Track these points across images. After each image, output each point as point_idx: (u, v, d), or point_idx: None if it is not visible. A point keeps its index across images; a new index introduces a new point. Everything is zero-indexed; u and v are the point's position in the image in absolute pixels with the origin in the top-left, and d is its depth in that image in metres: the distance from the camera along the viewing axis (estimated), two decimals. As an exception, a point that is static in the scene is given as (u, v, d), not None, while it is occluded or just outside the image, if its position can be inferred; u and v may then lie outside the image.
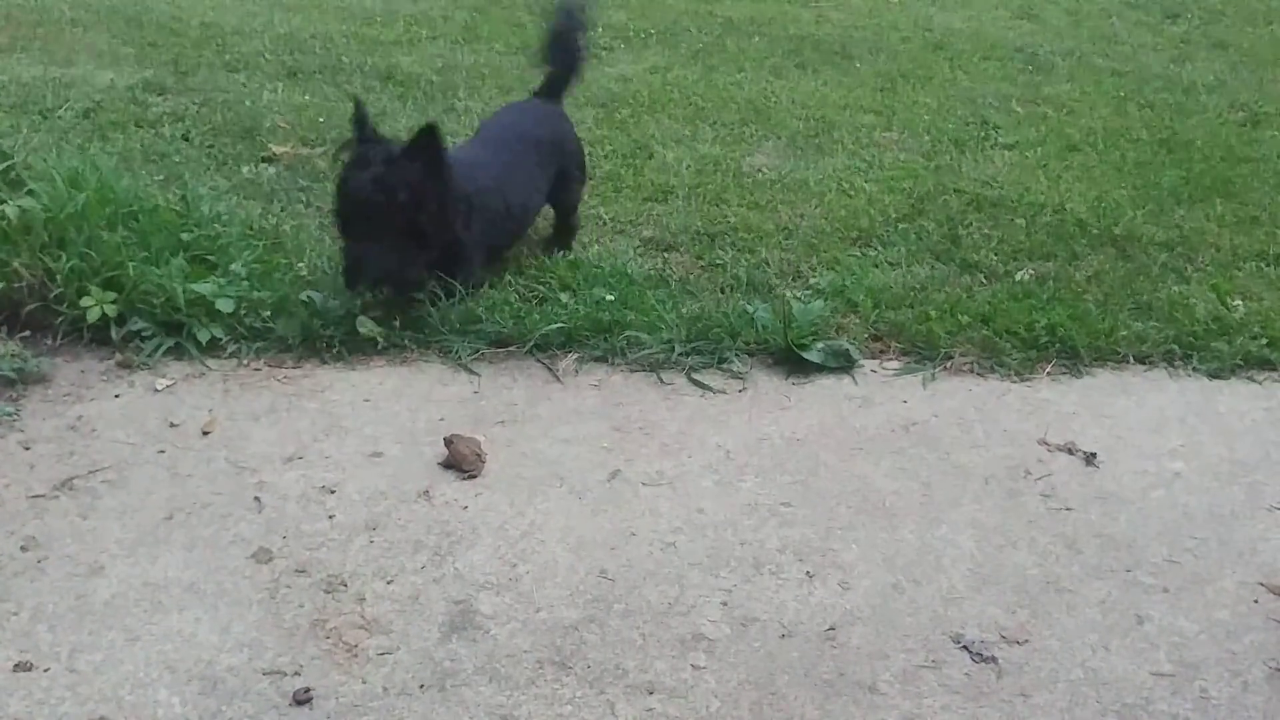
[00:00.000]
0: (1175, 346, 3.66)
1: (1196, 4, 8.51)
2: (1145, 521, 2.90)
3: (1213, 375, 3.58)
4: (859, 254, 4.20)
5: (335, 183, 3.48)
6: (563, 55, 4.20)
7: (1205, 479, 3.09)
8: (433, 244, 3.46)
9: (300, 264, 3.75)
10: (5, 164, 3.77)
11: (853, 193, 4.76)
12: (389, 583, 2.57)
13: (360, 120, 3.45)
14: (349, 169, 3.41)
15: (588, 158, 4.91)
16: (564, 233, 4.17)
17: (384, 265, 3.41)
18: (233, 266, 3.61)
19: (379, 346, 3.46)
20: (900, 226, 4.43)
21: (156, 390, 3.25)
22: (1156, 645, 2.51)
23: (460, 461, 2.96)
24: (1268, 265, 4.23)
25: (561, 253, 4.02)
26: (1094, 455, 3.15)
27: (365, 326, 3.44)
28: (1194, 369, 3.60)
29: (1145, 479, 3.08)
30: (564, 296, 3.69)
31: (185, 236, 3.68)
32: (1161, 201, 4.77)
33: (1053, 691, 2.37)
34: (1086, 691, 2.37)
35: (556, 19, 4.20)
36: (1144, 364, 3.62)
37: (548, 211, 4.16)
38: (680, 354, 3.50)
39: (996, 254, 4.22)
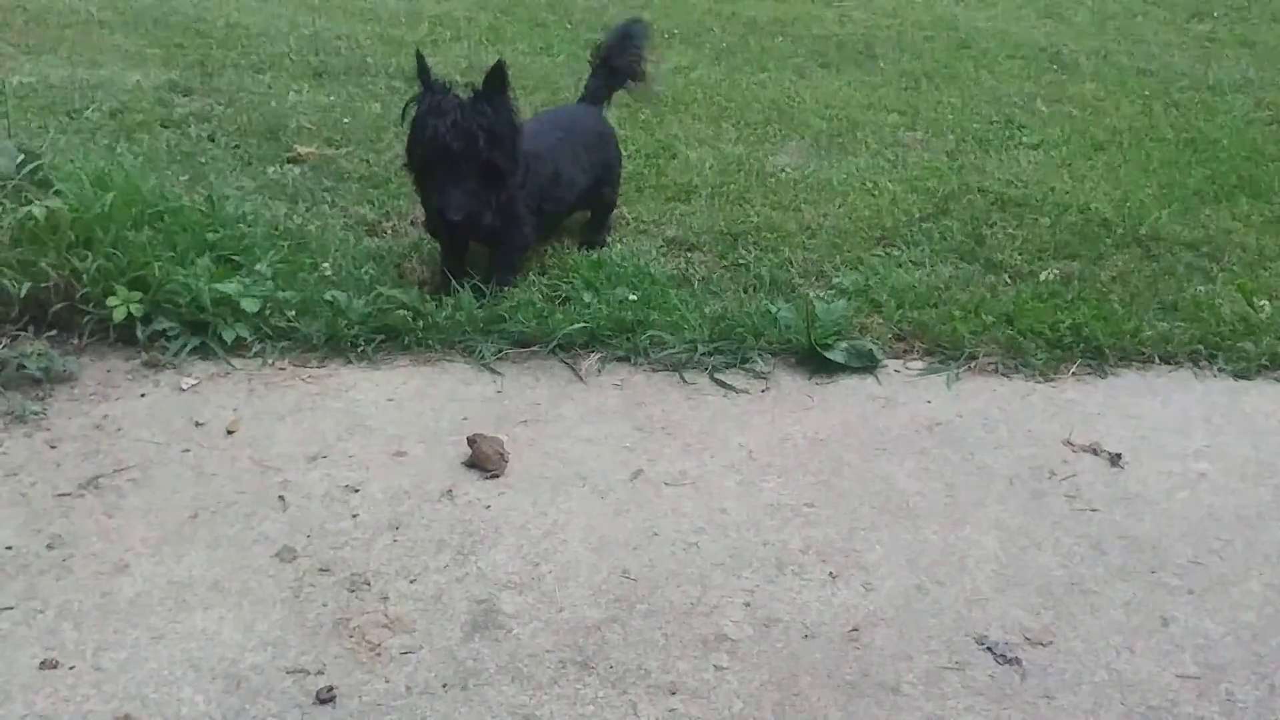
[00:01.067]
0: (1201, 346, 3.64)
1: (1222, 2, 8.46)
2: (1170, 522, 2.89)
3: (1239, 375, 3.56)
4: (882, 254, 4.20)
5: (412, 130, 3.60)
6: (620, 65, 4.35)
7: (1231, 480, 3.07)
8: (506, 185, 3.65)
9: (325, 264, 3.76)
10: (33, 164, 3.80)
11: (876, 192, 4.75)
12: (412, 582, 2.58)
13: (424, 70, 3.59)
14: (427, 116, 3.54)
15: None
16: (597, 230, 4.23)
17: (471, 205, 3.56)
18: (258, 266, 3.62)
19: (406, 327, 3.48)
20: (924, 226, 4.42)
21: (182, 390, 3.27)
22: (1182, 647, 2.49)
23: (483, 461, 2.96)
24: (1294, 265, 4.20)
25: (587, 250, 4.06)
26: (1119, 456, 3.13)
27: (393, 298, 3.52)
28: (1220, 369, 3.58)
29: (1170, 480, 3.06)
30: (587, 296, 3.69)
31: (211, 236, 3.69)
32: (1187, 201, 4.74)
33: (1077, 694, 2.36)
34: (1111, 694, 2.36)
35: (624, 29, 4.36)
36: (1169, 364, 3.60)
37: (577, 217, 4.20)
38: (703, 354, 3.50)
39: (1021, 253, 4.21)
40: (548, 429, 3.17)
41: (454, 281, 3.72)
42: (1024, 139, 5.48)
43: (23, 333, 3.39)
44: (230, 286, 3.48)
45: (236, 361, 3.40)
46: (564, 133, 4.06)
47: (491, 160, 3.55)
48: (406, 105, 3.65)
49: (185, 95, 5.50)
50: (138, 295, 3.43)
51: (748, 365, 3.49)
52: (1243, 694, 2.38)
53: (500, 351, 3.48)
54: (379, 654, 2.38)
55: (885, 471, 3.05)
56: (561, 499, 2.88)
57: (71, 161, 3.89)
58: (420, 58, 3.62)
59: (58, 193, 3.59)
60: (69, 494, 2.81)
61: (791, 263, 4.06)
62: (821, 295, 3.81)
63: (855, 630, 2.50)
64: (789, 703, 2.31)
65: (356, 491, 2.87)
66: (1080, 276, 4.04)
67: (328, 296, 3.54)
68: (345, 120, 5.24)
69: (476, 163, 3.54)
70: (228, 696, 2.26)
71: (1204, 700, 2.36)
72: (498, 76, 3.56)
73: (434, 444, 3.07)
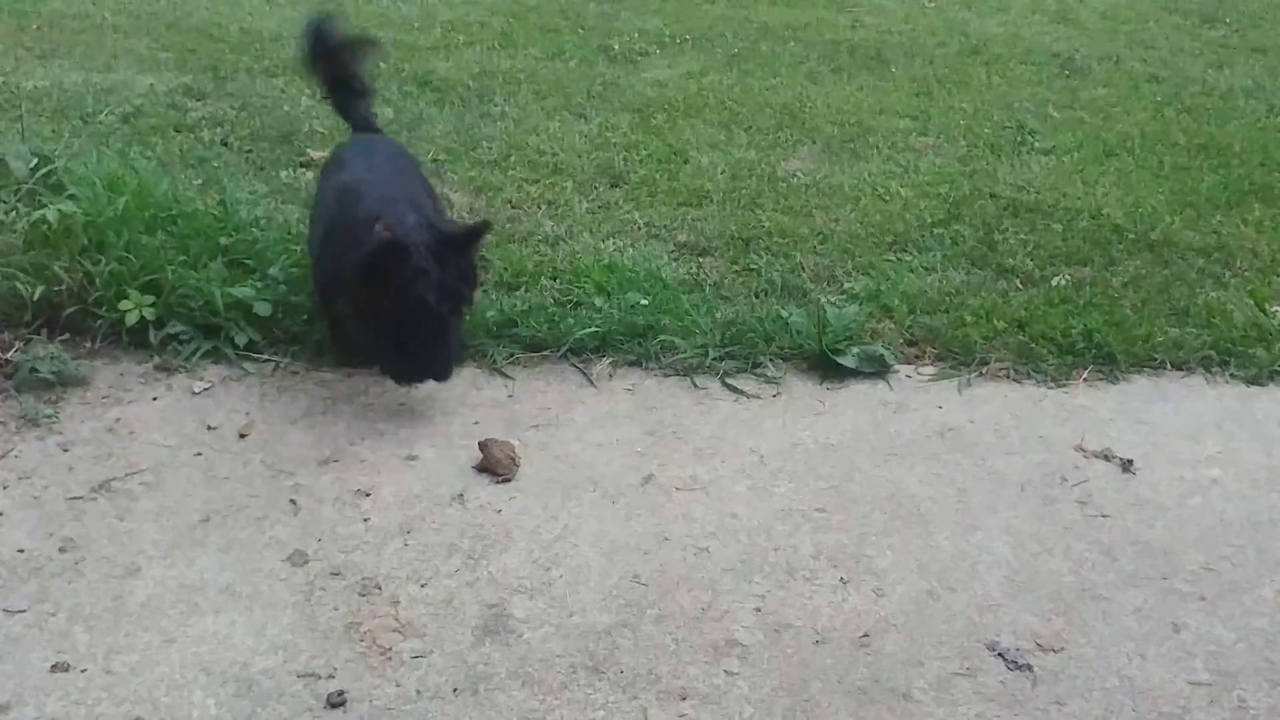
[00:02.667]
0: (1213, 352, 3.63)
1: (1235, 8, 8.44)
2: (1182, 529, 2.88)
3: (1250, 381, 3.55)
4: (894, 259, 4.19)
5: (383, 289, 3.01)
6: (340, 74, 3.87)
7: (1243, 486, 3.07)
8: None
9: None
10: (46, 168, 3.81)
11: (888, 198, 4.74)
12: (423, 586, 2.58)
13: (400, 248, 3.02)
14: (411, 280, 2.99)
15: (623, 161, 4.93)
16: None
17: (450, 359, 3.22)
18: (270, 271, 3.63)
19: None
20: (936, 231, 4.41)
21: (194, 393, 3.27)
22: (1193, 654, 2.49)
23: (494, 465, 2.96)
24: (1307, 271, 4.19)
25: None
26: (1130, 462, 3.13)
27: None
28: (1231, 375, 3.58)
29: (1182, 486, 3.05)
30: (598, 301, 3.70)
31: (223, 240, 3.70)
32: (1199, 207, 4.73)
33: (1088, 700, 2.36)
34: (1122, 700, 2.36)
35: (313, 34, 3.88)
36: (1181, 370, 3.59)
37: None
38: (714, 359, 3.50)
39: (1033, 259, 4.20)
40: (559, 433, 3.17)
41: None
42: (1036, 144, 5.46)
43: (36, 336, 3.40)
44: (243, 290, 3.49)
45: (249, 365, 3.40)
46: (408, 176, 3.59)
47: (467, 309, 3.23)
48: (371, 258, 2.99)
49: (198, 100, 5.52)
50: (150, 299, 3.44)
51: (759, 370, 3.49)
52: (1255, 700, 2.37)
53: (512, 355, 3.48)
54: (390, 658, 2.38)
55: (896, 477, 3.04)
56: (572, 503, 2.88)
57: (85, 165, 3.90)
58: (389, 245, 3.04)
59: (71, 196, 3.61)
60: (81, 497, 2.82)
61: (803, 268, 4.06)
62: (833, 300, 3.81)
63: (866, 636, 2.50)
64: (800, 708, 2.31)
65: (368, 496, 2.88)
66: (1092, 282, 4.03)
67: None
68: (357, 125, 5.24)
69: (459, 319, 3.22)
70: (239, 700, 2.27)
71: (1216, 707, 2.35)
72: (476, 235, 3.15)
73: (445, 448, 3.07)
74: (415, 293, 3.00)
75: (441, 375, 3.20)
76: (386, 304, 3.03)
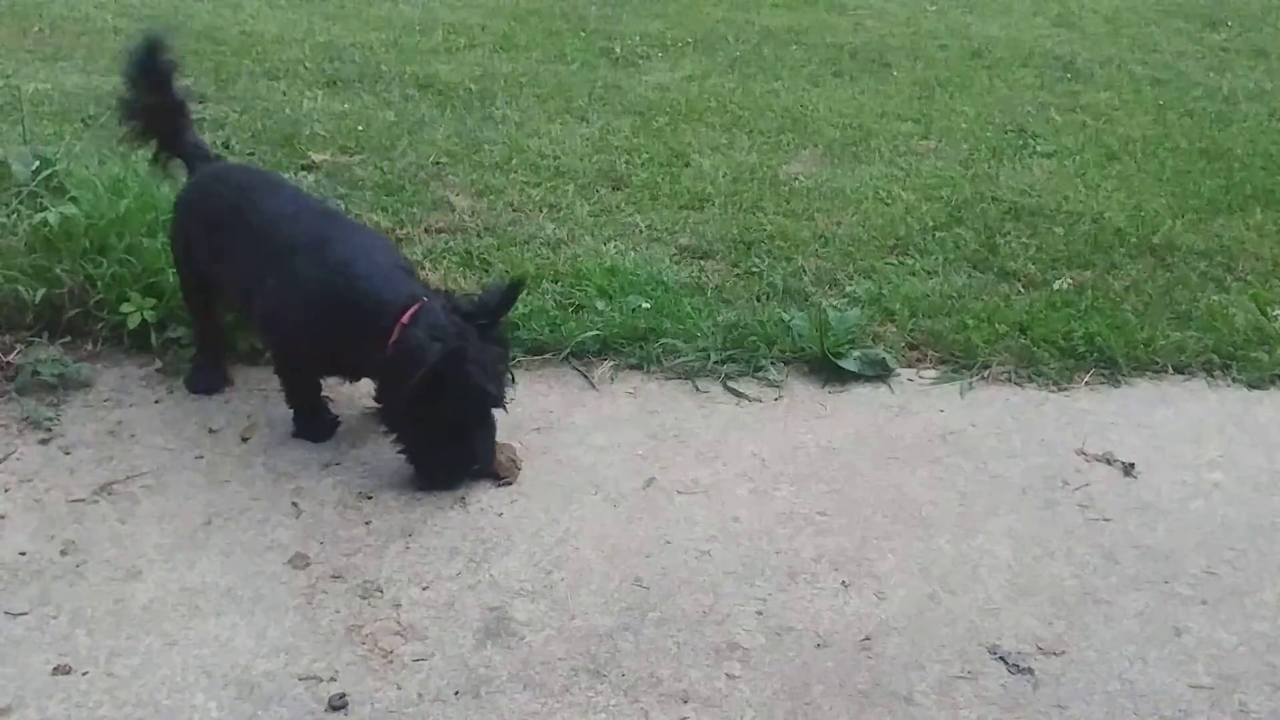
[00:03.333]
0: (1214, 356, 3.63)
1: (1237, 12, 8.44)
2: (1184, 532, 2.88)
3: (1252, 385, 3.55)
4: (896, 262, 4.19)
5: (460, 389, 2.80)
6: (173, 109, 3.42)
7: (1244, 490, 3.06)
8: None
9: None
10: (48, 171, 3.81)
11: (890, 201, 4.74)
12: (424, 589, 2.58)
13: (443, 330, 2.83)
14: (472, 371, 2.80)
15: (625, 164, 4.94)
16: None
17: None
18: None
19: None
20: (937, 235, 4.41)
21: (195, 397, 3.27)
22: (1195, 657, 2.48)
23: (496, 469, 2.96)
24: (1309, 275, 4.19)
25: None
26: (1132, 465, 3.13)
27: None
28: (1233, 379, 3.57)
29: (1184, 489, 3.05)
30: (600, 304, 3.70)
31: (225, 244, 3.70)
32: (1201, 210, 4.73)
33: (1089, 703, 2.36)
34: (1124, 703, 2.36)
35: (140, 60, 3.44)
36: (1183, 374, 3.59)
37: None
38: (716, 362, 3.50)
39: (1034, 263, 4.20)
40: (560, 436, 3.17)
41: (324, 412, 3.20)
42: (1037, 148, 5.46)
43: (37, 339, 3.41)
44: (244, 293, 3.49)
45: (251, 369, 3.40)
46: (340, 222, 3.27)
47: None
48: (439, 376, 2.76)
49: (200, 102, 5.51)
50: (152, 302, 3.44)
51: (760, 373, 3.49)
52: (1256, 704, 2.37)
53: (514, 359, 3.48)
54: (391, 661, 2.38)
55: (898, 480, 3.04)
56: (574, 507, 2.88)
57: (87, 168, 3.90)
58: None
59: (73, 199, 3.61)
60: (83, 500, 2.83)
61: (804, 271, 4.06)
62: (834, 304, 3.81)
63: (868, 639, 2.50)
64: (801, 711, 2.31)
65: (369, 499, 2.88)
66: (1093, 286, 4.03)
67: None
68: (359, 128, 5.25)
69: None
70: (240, 703, 2.27)
71: (1217, 711, 2.35)
72: (510, 298, 2.94)
73: (447, 451, 3.07)
74: (475, 388, 2.82)
75: (488, 464, 2.98)
76: (443, 408, 2.83)
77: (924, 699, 2.36)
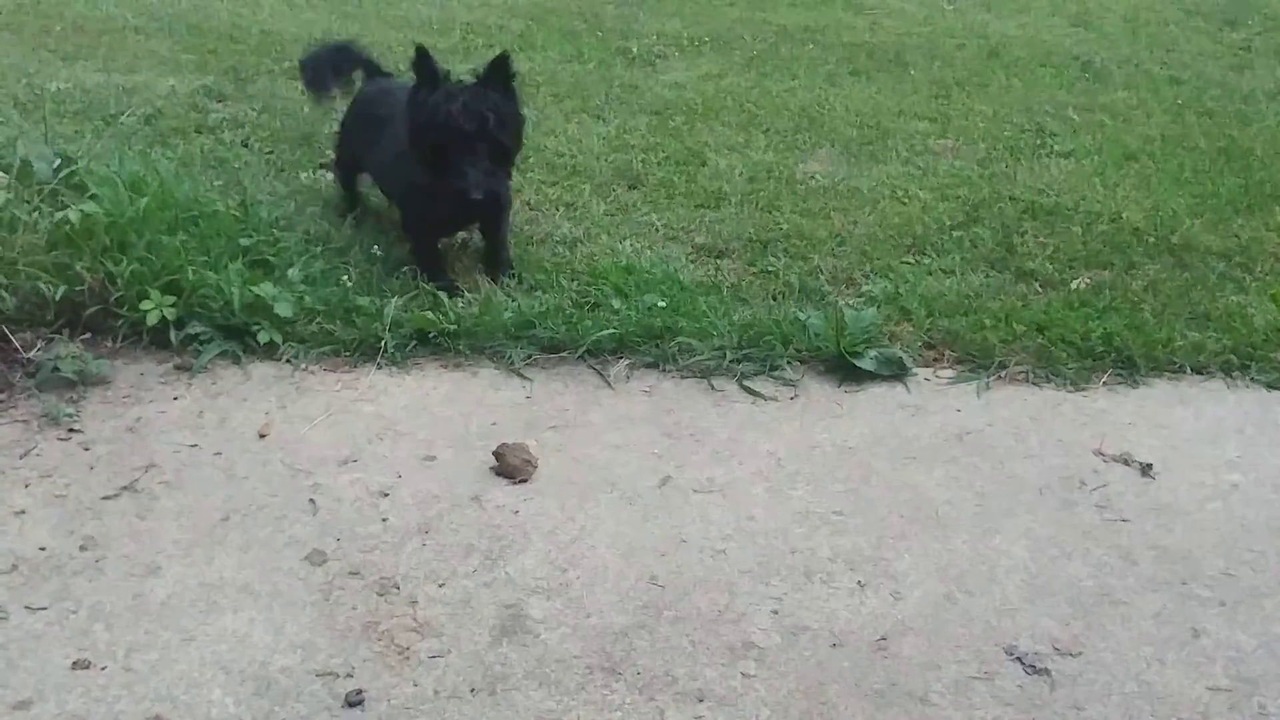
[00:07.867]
0: (1233, 356, 3.61)
1: (1256, 11, 8.41)
2: (1202, 533, 2.87)
3: (1271, 386, 3.53)
4: (913, 261, 4.19)
5: (422, 115, 3.59)
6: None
7: (1263, 490, 3.05)
8: (513, 165, 3.83)
9: (356, 270, 3.78)
10: (69, 169, 3.83)
11: (906, 200, 4.74)
12: (441, 586, 2.59)
13: (426, 63, 3.63)
14: (438, 101, 3.56)
15: (641, 163, 4.94)
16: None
17: (490, 184, 3.60)
18: (290, 271, 3.65)
19: (431, 336, 3.50)
20: (954, 234, 4.41)
21: (214, 393, 3.29)
22: (1213, 659, 2.48)
23: (511, 472, 2.96)
24: (1329, 275, 4.17)
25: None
26: (1150, 466, 3.12)
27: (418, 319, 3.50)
28: (1252, 379, 3.56)
29: (1202, 490, 3.04)
30: (616, 302, 3.70)
31: (244, 241, 3.72)
32: (1220, 210, 4.72)
33: (1106, 705, 2.35)
34: (1141, 705, 2.35)
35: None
36: (1201, 374, 3.58)
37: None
38: (731, 361, 3.50)
39: (1052, 262, 4.19)
40: (576, 435, 3.18)
41: (448, 278, 3.85)
42: (1055, 147, 5.45)
43: (57, 335, 3.42)
44: (265, 288, 3.50)
45: (268, 365, 3.42)
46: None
47: (500, 140, 3.63)
48: (413, 95, 3.66)
49: (219, 101, 5.55)
50: (171, 299, 3.45)
51: (776, 373, 3.49)
52: (1275, 707, 2.36)
53: (530, 357, 3.49)
54: (407, 658, 2.39)
55: (914, 480, 3.04)
56: (590, 505, 2.89)
57: (107, 166, 3.92)
58: (423, 52, 3.65)
59: (93, 197, 3.62)
60: (102, 496, 2.84)
61: (821, 270, 4.06)
62: (851, 303, 3.81)
63: (883, 639, 2.50)
64: (816, 711, 2.31)
65: (386, 495, 2.89)
66: (1111, 285, 4.02)
67: (360, 301, 3.56)
68: (377, 126, 5.25)
69: (488, 143, 3.59)
70: (257, 699, 2.28)
71: (1235, 713, 2.34)
72: (501, 66, 3.63)
73: (463, 449, 3.08)
74: (440, 110, 3.54)
75: (470, 189, 3.54)
76: (422, 129, 3.61)
77: (940, 699, 2.35)
